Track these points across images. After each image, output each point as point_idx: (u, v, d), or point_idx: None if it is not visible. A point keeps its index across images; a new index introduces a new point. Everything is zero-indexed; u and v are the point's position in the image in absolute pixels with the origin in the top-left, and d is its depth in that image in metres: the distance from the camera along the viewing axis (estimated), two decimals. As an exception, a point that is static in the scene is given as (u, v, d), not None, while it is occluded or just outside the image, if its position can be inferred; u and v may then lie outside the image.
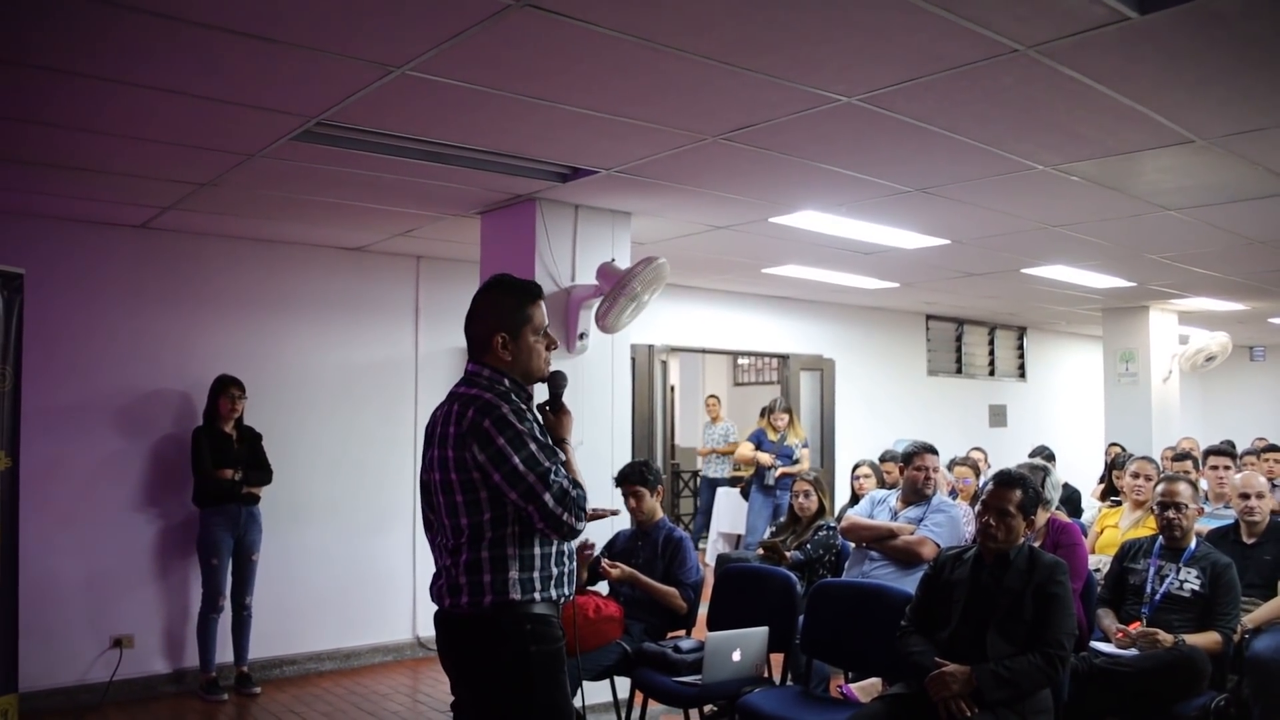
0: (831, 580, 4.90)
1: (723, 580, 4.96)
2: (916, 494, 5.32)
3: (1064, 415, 13.47)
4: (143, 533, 6.24)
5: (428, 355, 7.42)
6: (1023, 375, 13.12)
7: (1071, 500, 8.20)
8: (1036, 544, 4.69)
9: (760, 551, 5.84)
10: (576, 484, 2.81)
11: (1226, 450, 6.80)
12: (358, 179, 5.15)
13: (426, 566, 7.23)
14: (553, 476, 2.74)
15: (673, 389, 14.65)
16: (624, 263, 5.78)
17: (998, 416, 12.54)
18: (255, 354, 6.67)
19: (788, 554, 5.72)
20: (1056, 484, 5.17)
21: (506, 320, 2.91)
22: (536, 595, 2.81)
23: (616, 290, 5.47)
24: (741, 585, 4.88)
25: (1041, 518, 4.88)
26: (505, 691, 2.77)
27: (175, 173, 5.02)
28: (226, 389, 6.24)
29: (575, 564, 3.01)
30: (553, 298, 5.69)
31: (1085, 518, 7.17)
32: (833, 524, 5.86)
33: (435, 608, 2.91)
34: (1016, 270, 8.21)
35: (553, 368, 3.02)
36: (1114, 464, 7.79)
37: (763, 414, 9.06)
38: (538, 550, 2.83)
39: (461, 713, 2.98)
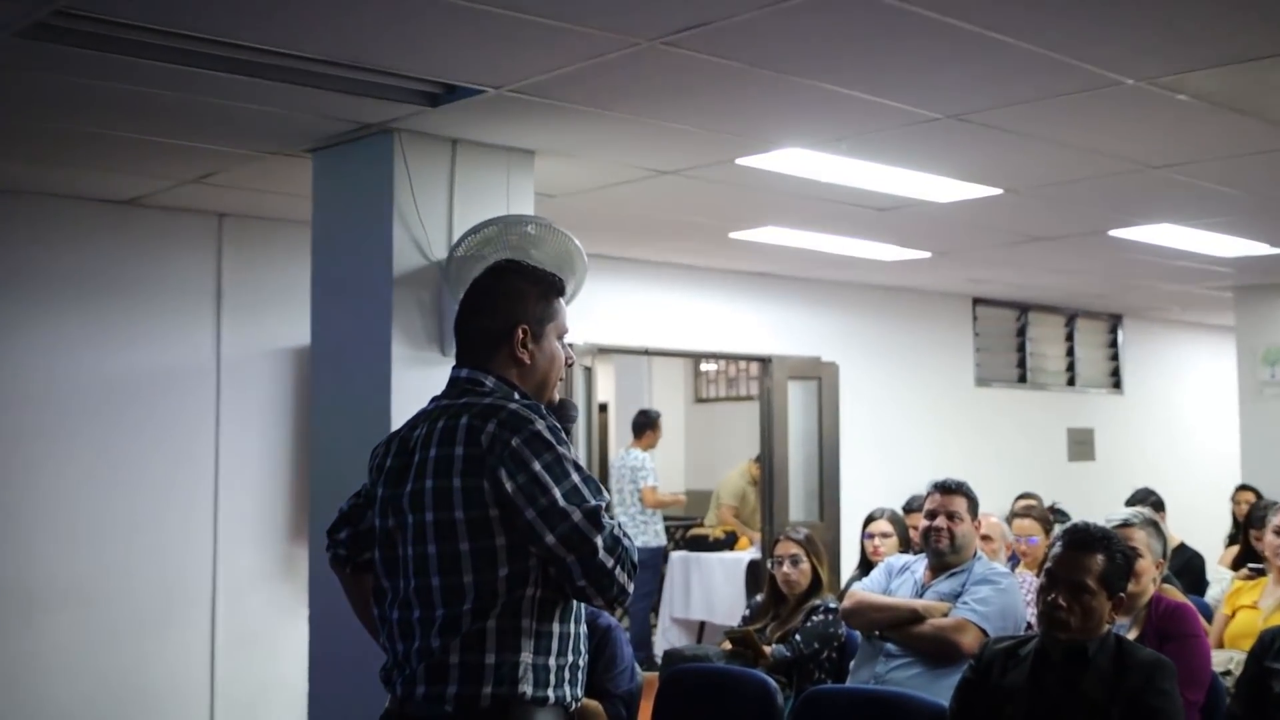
0: (830, 687, 4.98)
1: (669, 687, 5.00)
2: (939, 556, 5.39)
3: (1180, 445, 13.66)
4: None
5: (236, 360, 7.44)
6: (1117, 385, 13.28)
7: (1192, 569, 8.31)
8: (1132, 634, 4.78)
9: (726, 645, 5.87)
10: (625, 532, 3.01)
11: None
12: (125, 98, 5.13)
13: (230, 669, 7.28)
14: (605, 516, 2.95)
15: (604, 408, 14.64)
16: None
17: (1081, 446, 12.67)
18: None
19: (767, 648, 5.74)
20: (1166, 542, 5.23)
21: (530, 312, 3.18)
22: (550, 692, 2.98)
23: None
24: (698, 694, 4.91)
25: (1145, 586, 4.98)
26: None
27: None
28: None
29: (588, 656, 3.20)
30: (420, 274, 5.74)
31: (1211, 594, 7.29)
32: (833, 604, 5.90)
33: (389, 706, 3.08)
34: (1102, 232, 8.33)
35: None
36: (1250, 518, 7.95)
37: None
38: (557, 627, 3.01)
39: None
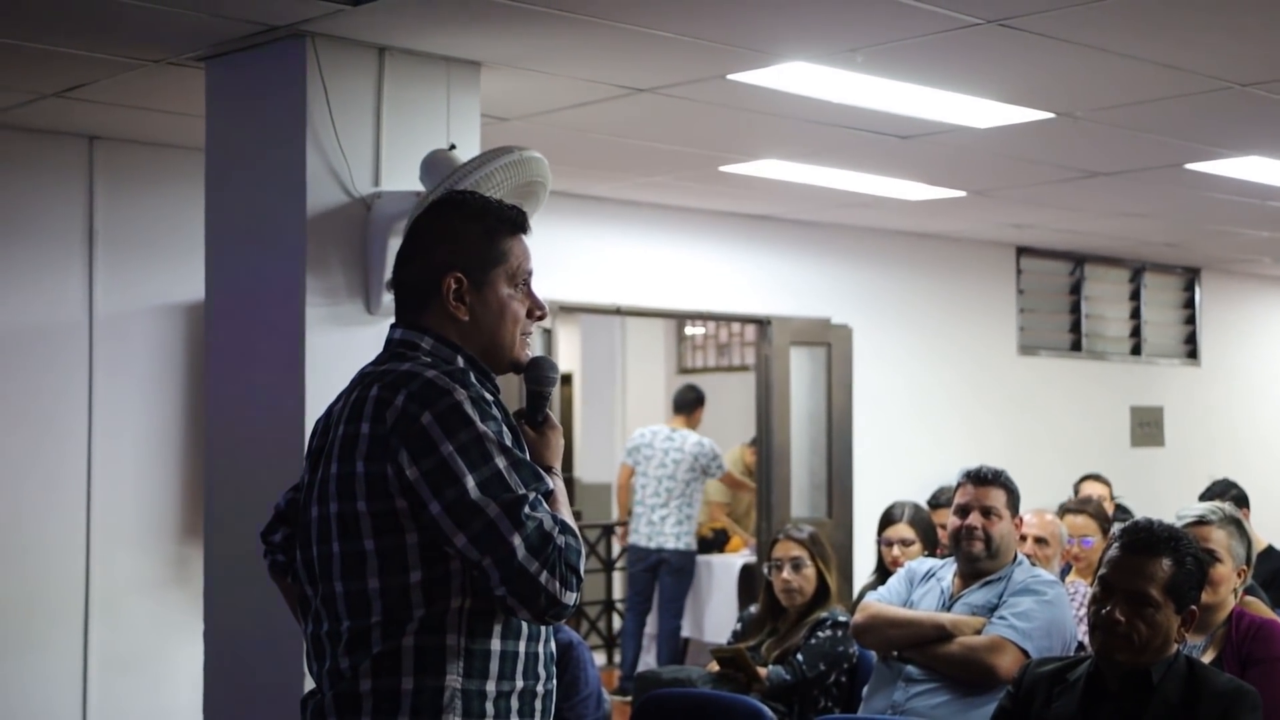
0: (839, 718, 5.01)
1: (644, 716, 5.03)
2: (971, 561, 5.41)
3: (1268, 427, 13.69)
4: None
5: (112, 317, 7.40)
6: (1193, 355, 13.28)
7: (1282, 579, 8.40)
8: (1207, 656, 4.78)
9: (714, 665, 5.88)
10: (567, 528, 2.97)
11: None
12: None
13: (106, 697, 7.21)
14: (527, 509, 2.91)
15: (568, 379, 14.60)
16: (470, 152, 5.78)
17: (1147, 428, 12.67)
18: None
19: (762, 670, 5.78)
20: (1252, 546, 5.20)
21: (465, 255, 3.15)
22: None
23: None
24: (677, 725, 4.97)
25: (1223, 597, 4.96)
26: None
27: None
28: None
29: (555, 681, 3.19)
30: (339, 212, 5.72)
31: (1307, 610, 7.39)
32: (843, 617, 5.95)
33: None
34: (1177, 166, 8.31)
35: (531, 352, 3.29)
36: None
37: None
38: (498, 645, 3.01)
39: None
